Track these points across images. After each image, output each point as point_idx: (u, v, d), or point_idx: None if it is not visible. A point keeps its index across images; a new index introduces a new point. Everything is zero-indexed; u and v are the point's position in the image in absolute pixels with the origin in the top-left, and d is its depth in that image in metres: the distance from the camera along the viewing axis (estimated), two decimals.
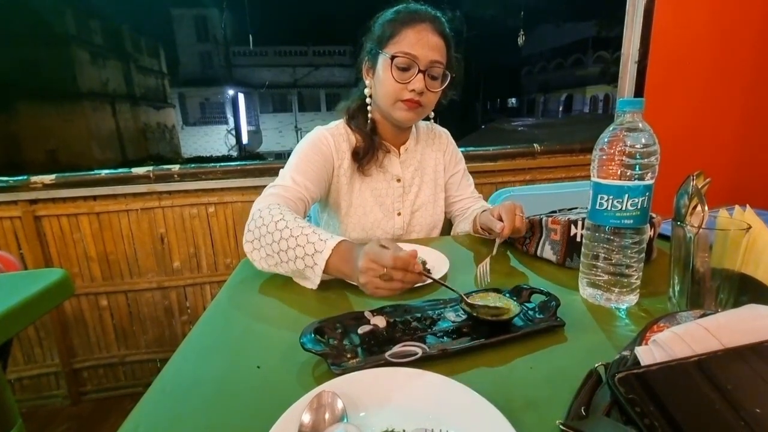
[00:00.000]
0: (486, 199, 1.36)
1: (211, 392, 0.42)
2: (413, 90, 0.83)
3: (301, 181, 0.82)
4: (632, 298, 0.58)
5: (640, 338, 0.41)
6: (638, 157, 0.52)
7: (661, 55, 1.56)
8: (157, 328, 1.55)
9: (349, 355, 0.45)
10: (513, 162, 1.62)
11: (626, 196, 0.53)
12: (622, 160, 0.53)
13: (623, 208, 0.54)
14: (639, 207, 0.54)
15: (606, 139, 0.54)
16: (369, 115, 0.91)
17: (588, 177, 1.69)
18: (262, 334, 0.54)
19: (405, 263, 0.53)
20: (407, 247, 0.80)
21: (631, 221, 0.54)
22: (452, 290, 0.57)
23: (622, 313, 0.57)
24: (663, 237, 0.83)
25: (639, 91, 1.62)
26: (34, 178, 1.34)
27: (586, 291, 0.61)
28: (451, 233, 1.04)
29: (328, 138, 0.89)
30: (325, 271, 0.62)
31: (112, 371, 1.56)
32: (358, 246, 0.60)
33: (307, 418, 0.34)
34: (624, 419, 0.31)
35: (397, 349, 0.46)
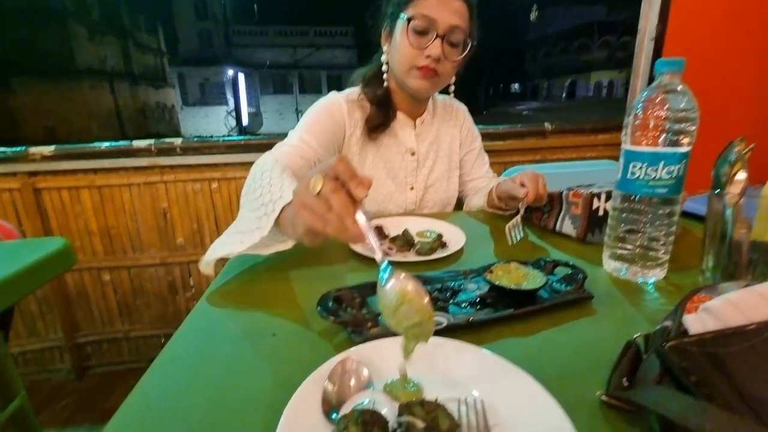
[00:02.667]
0: None
1: (225, 359, 0.40)
2: (429, 56, 0.79)
3: (309, 140, 0.79)
4: (660, 273, 0.56)
5: (682, 309, 0.38)
6: (676, 122, 0.49)
7: (679, 32, 1.51)
8: (160, 304, 1.54)
9: (369, 324, 0.43)
10: (523, 141, 1.58)
11: (661, 163, 0.50)
12: (658, 124, 0.50)
13: (657, 177, 0.51)
14: (674, 175, 0.50)
15: (641, 103, 0.51)
16: (385, 84, 0.87)
17: (599, 157, 1.64)
18: (275, 302, 0.52)
19: (349, 171, 0.41)
20: (419, 222, 0.78)
21: (665, 190, 0.51)
22: (477, 270, 0.54)
23: (650, 287, 0.54)
24: (686, 215, 0.80)
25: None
26: (33, 150, 1.30)
27: (610, 265, 0.59)
28: (464, 208, 1.01)
29: (341, 104, 0.85)
30: (280, 223, 0.51)
31: (116, 346, 1.55)
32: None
33: (331, 384, 0.32)
34: (676, 389, 0.29)
35: None
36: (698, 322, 0.33)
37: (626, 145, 0.53)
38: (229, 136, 1.53)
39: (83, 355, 1.54)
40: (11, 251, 0.72)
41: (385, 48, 0.87)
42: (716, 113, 1.58)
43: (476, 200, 0.95)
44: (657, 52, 1.54)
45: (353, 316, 0.44)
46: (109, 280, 1.48)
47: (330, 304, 0.44)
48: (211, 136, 1.42)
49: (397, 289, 0.35)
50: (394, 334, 0.41)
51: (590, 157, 1.61)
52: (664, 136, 0.50)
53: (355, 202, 0.41)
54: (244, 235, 0.54)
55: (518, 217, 0.71)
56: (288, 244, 0.55)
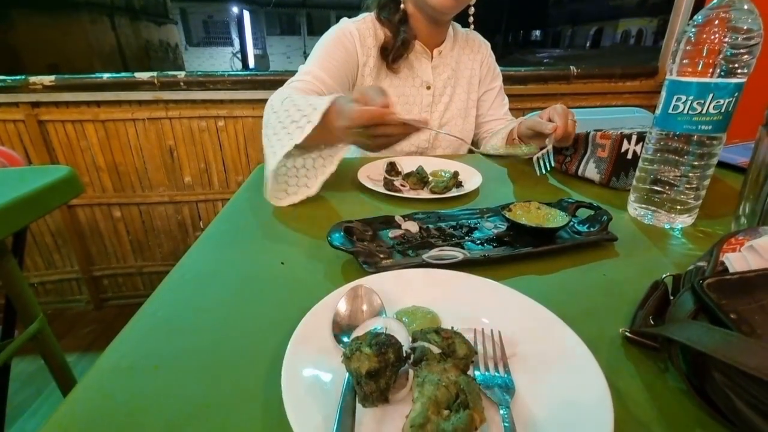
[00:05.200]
0: None
1: (233, 284, 0.39)
2: None
3: (322, 76, 0.74)
4: (688, 219, 0.53)
5: (718, 250, 0.36)
6: (734, 47, 0.43)
7: None
8: (171, 242, 1.56)
9: (382, 256, 0.41)
10: (545, 86, 1.49)
11: (710, 96, 0.45)
12: (713, 49, 0.44)
13: (703, 111, 0.46)
14: (723, 110, 0.46)
15: (697, 23, 0.45)
16: (401, 6, 0.80)
17: (626, 105, 1.55)
18: (284, 231, 0.50)
19: (373, 118, 0.48)
20: (434, 161, 0.74)
21: (710, 127, 0.47)
22: (494, 208, 0.52)
23: (677, 232, 0.52)
24: (721, 164, 0.75)
25: (696, 12, 1.42)
26: (33, 79, 1.26)
27: (636, 210, 0.55)
28: (481, 150, 0.96)
29: (353, 32, 0.78)
30: (320, 134, 0.53)
31: (130, 280, 1.60)
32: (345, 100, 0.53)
33: (343, 307, 0.31)
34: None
35: (435, 252, 0.41)
36: (741, 260, 0.31)
37: (671, 76, 0.48)
38: (233, 71, 1.46)
39: (100, 288, 1.60)
40: (17, 176, 0.71)
41: None
42: None
43: (494, 141, 0.90)
44: None
45: (365, 247, 0.42)
46: (120, 217, 1.49)
47: (340, 234, 0.42)
48: (216, 72, 1.35)
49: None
50: (409, 266, 0.39)
51: (617, 105, 1.52)
52: (717, 63, 0.44)
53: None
54: (285, 137, 0.54)
55: (549, 147, 0.67)
56: (300, 137, 0.53)
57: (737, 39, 0.43)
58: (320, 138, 0.54)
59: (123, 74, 1.29)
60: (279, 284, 0.39)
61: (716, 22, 0.44)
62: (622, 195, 0.60)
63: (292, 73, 1.38)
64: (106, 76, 1.29)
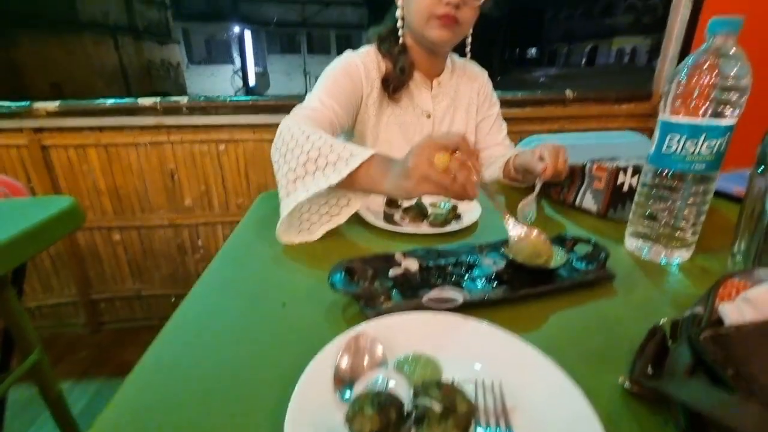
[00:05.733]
0: None
1: (235, 328, 0.39)
2: (449, 3, 0.73)
3: (331, 104, 0.76)
4: (685, 254, 0.53)
5: (714, 294, 0.36)
6: (724, 90, 0.45)
7: None
8: (170, 265, 1.56)
9: (382, 298, 0.41)
10: (542, 109, 1.51)
11: (702, 136, 0.46)
12: (704, 92, 0.45)
13: (696, 151, 0.47)
14: (715, 151, 0.47)
15: (687, 68, 0.46)
16: (401, 40, 0.82)
17: (622, 129, 1.58)
18: (285, 270, 0.50)
19: (468, 150, 0.48)
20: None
21: (703, 166, 0.48)
22: (493, 244, 0.52)
23: (674, 268, 0.52)
24: (715, 194, 0.76)
25: (689, 37, 1.46)
26: (37, 105, 1.27)
27: (633, 243, 0.56)
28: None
29: (358, 64, 0.81)
30: (354, 180, 0.54)
31: (128, 304, 1.59)
32: (394, 158, 0.55)
33: (344, 361, 0.31)
34: (710, 382, 0.27)
35: (434, 293, 0.42)
36: (736, 311, 0.31)
37: (664, 115, 0.49)
38: (236, 96, 1.49)
39: (97, 312, 1.58)
40: (19, 209, 0.71)
41: (399, 2, 0.81)
42: (764, 81, 1.48)
43: (492, 171, 0.91)
44: (695, 15, 1.43)
45: (366, 289, 0.42)
46: (119, 240, 1.49)
47: (341, 275, 0.43)
48: (218, 97, 1.37)
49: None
50: (408, 309, 0.40)
51: (612, 128, 1.54)
52: (708, 105, 0.45)
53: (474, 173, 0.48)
54: (311, 185, 0.55)
55: (533, 196, 0.67)
56: (354, 207, 0.57)
57: (726, 83, 0.44)
58: (341, 185, 0.55)
59: (126, 100, 1.31)
60: (280, 328, 0.39)
61: (705, 66, 0.45)
62: (620, 227, 0.61)
63: (293, 97, 1.41)
64: (109, 101, 1.31)
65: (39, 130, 1.31)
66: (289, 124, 0.62)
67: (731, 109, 0.45)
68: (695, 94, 0.46)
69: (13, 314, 0.72)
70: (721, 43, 0.45)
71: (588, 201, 0.69)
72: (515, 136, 1.50)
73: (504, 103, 1.46)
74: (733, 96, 0.45)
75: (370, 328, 0.35)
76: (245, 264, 0.52)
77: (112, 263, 1.52)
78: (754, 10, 1.40)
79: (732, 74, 0.44)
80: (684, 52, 1.48)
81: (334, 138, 0.57)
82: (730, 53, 0.45)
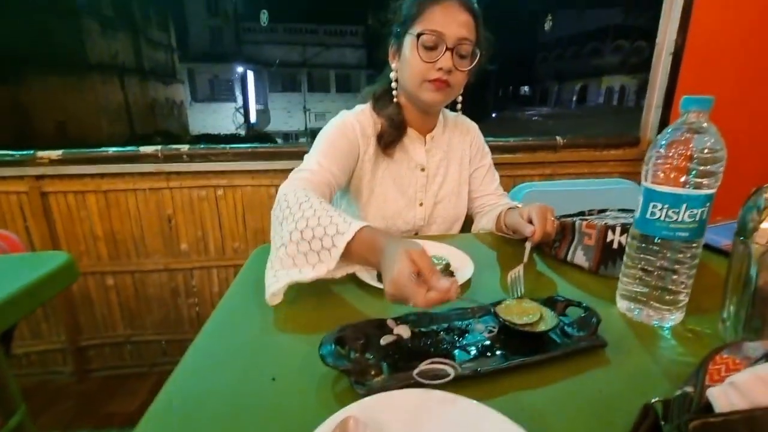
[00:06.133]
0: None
1: (223, 407, 0.38)
2: (440, 69, 0.78)
3: (328, 165, 0.79)
4: (677, 317, 0.54)
5: (703, 372, 0.36)
6: (701, 163, 0.47)
7: (699, 47, 1.47)
8: (162, 310, 1.54)
9: (373, 372, 0.41)
10: (534, 155, 1.55)
11: (684, 206, 0.48)
12: (682, 165, 0.47)
13: (679, 219, 0.48)
14: (697, 219, 0.48)
15: (665, 141, 0.49)
16: (395, 100, 0.86)
17: (611, 173, 1.61)
18: (276, 341, 0.50)
19: (435, 303, 0.45)
20: (430, 246, 0.76)
21: (687, 234, 0.49)
22: (485, 307, 0.52)
23: (666, 332, 0.52)
24: (705, 247, 0.77)
25: (672, 85, 1.53)
26: (41, 153, 1.30)
27: (624, 304, 0.56)
28: (472, 229, 0.99)
29: (354, 123, 0.85)
30: (345, 258, 0.55)
31: (117, 350, 1.55)
32: (382, 234, 0.54)
33: None
34: None
35: (425, 366, 0.42)
36: (724, 397, 0.31)
37: (646, 183, 0.51)
38: (234, 140, 1.52)
39: (85, 358, 1.54)
40: (15, 266, 0.71)
41: (393, 65, 0.86)
42: (744, 146, 1.54)
43: (485, 222, 0.93)
44: (675, 66, 1.51)
45: (356, 362, 0.42)
46: (112, 285, 1.48)
47: (331, 348, 0.43)
48: (219, 136, 1.42)
49: None
50: (399, 385, 0.39)
51: (602, 173, 1.58)
52: (687, 177, 0.47)
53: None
54: (303, 269, 0.56)
55: (520, 269, 0.65)
56: (328, 269, 0.56)
57: (701, 156, 0.46)
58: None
59: (128, 148, 1.35)
60: (270, 404, 0.39)
61: (681, 139, 0.48)
62: (612, 283, 0.61)
63: (292, 146, 1.45)
64: (112, 150, 1.34)
65: (40, 177, 1.33)
66: (286, 192, 0.64)
67: (710, 179, 0.47)
68: (674, 165, 0.48)
69: None
70: (694, 119, 0.47)
71: (579, 257, 0.70)
72: (509, 180, 1.54)
73: (497, 149, 1.51)
74: (709, 167, 0.47)
75: (359, 409, 0.35)
76: (236, 332, 0.52)
77: (103, 308, 1.50)
78: (734, 63, 1.48)
79: (706, 148, 0.46)
80: (668, 100, 1.55)
81: (326, 209, 0.58)
82: (703, 127, 0.47)
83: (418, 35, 0.77)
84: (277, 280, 0.56)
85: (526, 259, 0.69)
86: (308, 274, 0.55)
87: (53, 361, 1.52)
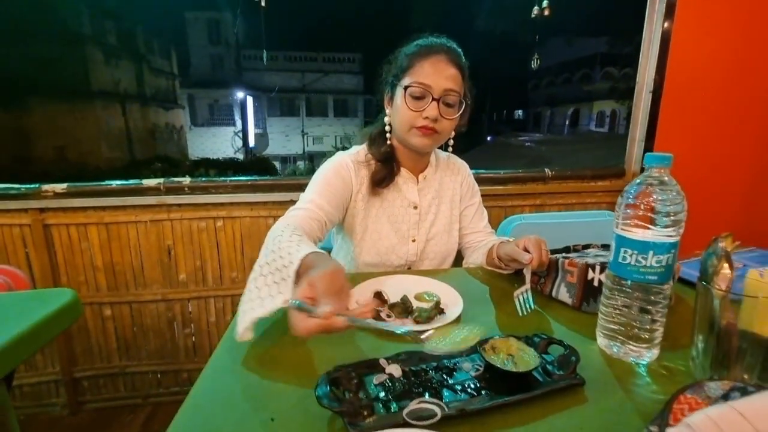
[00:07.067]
0: (496, 224, 1.35)
1: None
2: (427, 117, 0.84)
3: (319, 202, 0.84)
4: (653, 353, 0.57)
5: (668, 412, 0.40)
6: (665, 213, 0.51)
7: (677, 84, 1.56)
8: (159, 340, 1.54)
9: (365, 413, 0.44)
10: (523, 186, 1.61)
11: (651, 252, 0.52)
12: (647, 215, 0.52)
13: (648, 264, 0.53)
14: (664, 264, 0.52)
15: (632, 194, 0.53)
16: (388, 141, 0.93)
17: (599, 203, 1.67)
18: (274, 381, 0.53)
19: (314, 331, 0.47)
20: (423, 282, 0.79)
21: (655, 277, 0.53)
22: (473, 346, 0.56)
23: (642, 369, 0.55)
24: (683, 281, 0.81)
25: (653, 119, 1.61)
26: (46, 187, 1.34)
27: (603, 342, 0.60)
28: (463, 264, 1.03)
29: (348, 164, 0.90)
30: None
31: (112, 382, 1.55)
32: (322, 259, 0.56)
33: None
34: None
35: (414, 406, 0.45)
36: None
37: (617, 230, 0.56)
38: (234, 169, 1.58)
39: (79, 390, 1.53)
40: (21, 305, 0.74)
41: (387, 110, 0.92)
42: (717, 165, 1.61)
43: (474, 257, 0.97)
44: (656, 102, 1.59)
45: (350, 402, 0.45)
46: (110, 315, 1.49)
47: (326, 389, 0.45)
48: (218, 161, 1.45)
49: None
50: (390, 424, 0.42)
51: (590, 203, 1.64)
52: (653, 225, 0.52)
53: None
54: (264, 300, 0.57)
55: (527, 287, 0.72)
56: (283, 301, 0.56)
57: (664, 207, 0.51)
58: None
59: (132, 181, 1.39)
60: None
61: (647, 191, 0.52)
62: (594, 320, 0.64)
63: (290, 179, 1.50)
64: (115, 183, 1.38)
65: (43, 210, 1.37)
66: (273, 229, 0.69)
67: (673, 228, 0.52)
68: (640, 214, 0.52)
69: (1, 412, 0.71)
70: (656, 174, 0.52)
71: (563, 293, 0.74)
72: (500, 211, 1.59)
73: (488, 181, 1.57)
74: (673, 218, 0.51)
75: None
76: (236, 373, 0.54)
77: (100, 339, 1.50)
78: (713, 98, 1.57)
79: (668, 199, 0.51)
80: (650, 133, 1.62)
81: (291, 240, 0.61)
82: (665, 181, 0.52)
83: (407, 87, 0.85)
84: (243, 315, 0.57)
85: (528, 280, 0.74)
86: (269, 305, 0.56)
87: (47, 393, 1.51)
